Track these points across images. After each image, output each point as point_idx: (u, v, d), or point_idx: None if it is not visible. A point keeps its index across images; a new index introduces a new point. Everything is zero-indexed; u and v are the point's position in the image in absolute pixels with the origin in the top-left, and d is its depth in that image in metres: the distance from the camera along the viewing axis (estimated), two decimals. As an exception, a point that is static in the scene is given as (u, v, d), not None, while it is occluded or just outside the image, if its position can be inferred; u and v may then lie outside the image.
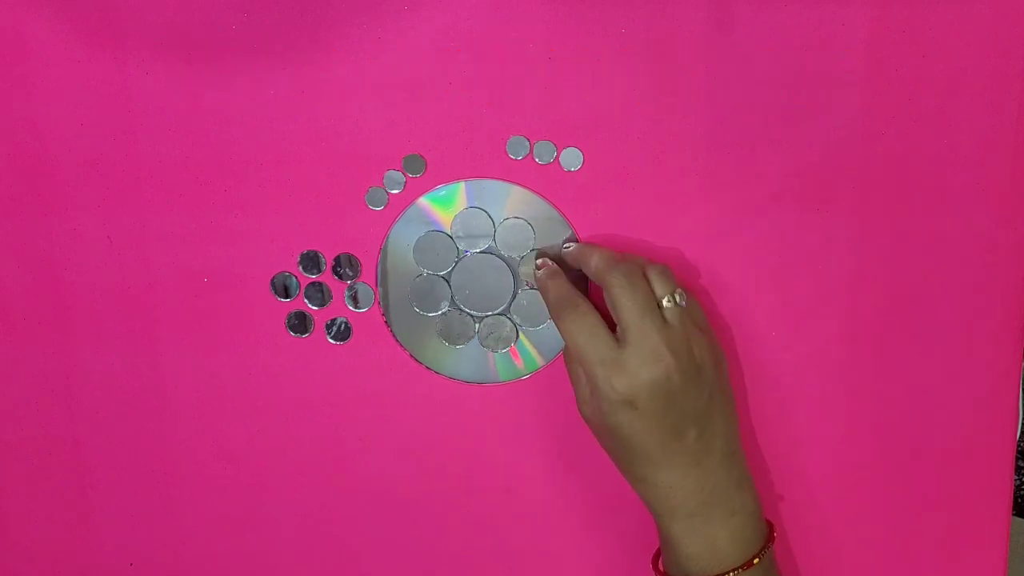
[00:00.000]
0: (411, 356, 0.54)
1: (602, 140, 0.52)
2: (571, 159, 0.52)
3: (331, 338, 0.54)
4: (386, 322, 0.54)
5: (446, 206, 0.53)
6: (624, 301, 0.46)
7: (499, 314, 0.54)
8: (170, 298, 0.54)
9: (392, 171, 0.53)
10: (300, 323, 0.54)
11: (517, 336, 0.54)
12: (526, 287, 0.54)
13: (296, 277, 0.53)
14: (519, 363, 0.54)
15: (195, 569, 0.57)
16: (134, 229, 0.53)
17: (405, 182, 0.53)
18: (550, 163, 0.52)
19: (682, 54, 0.51)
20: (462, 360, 0.54)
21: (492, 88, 0.52)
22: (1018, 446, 0.64)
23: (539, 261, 0.52)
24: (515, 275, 0.54)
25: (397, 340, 0.54)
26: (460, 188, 0.53)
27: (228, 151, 0.52)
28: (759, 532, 0.49)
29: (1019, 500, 1.21)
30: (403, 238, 0.53)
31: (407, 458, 0.56)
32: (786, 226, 0.53)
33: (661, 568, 0.51)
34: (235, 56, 0.51)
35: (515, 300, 0.54)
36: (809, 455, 0.55)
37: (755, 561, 0.47)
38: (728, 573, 0.47)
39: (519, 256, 0.54)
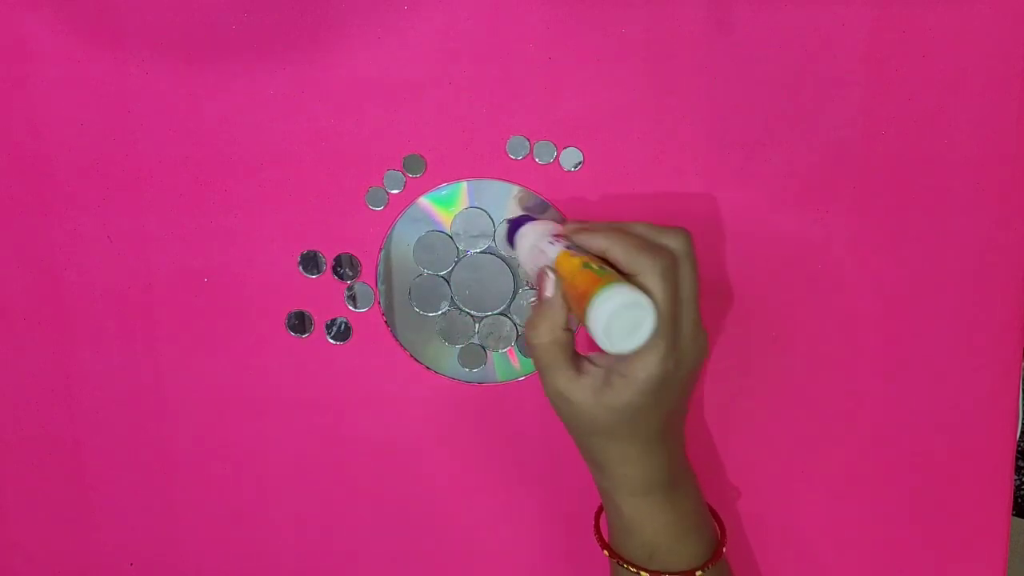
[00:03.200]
0: (411, 356, 0.54)
1: (602, 140, 0.52)
2: (571, 159, 0.52)
3: (331, 338, 0.54)
4: (386, 322, 0.54)
5: (446, 206, 0.53)
6: (679, 291, 0.44)
7: (499, 314, 0.54)
8: (170, 298, 0.54)
9: (392, 171, 0.53)
10: (300, 323, 0.54)
11: (517, 336, 0.54)
12: (526, 287, 0.54)
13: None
14: (516, 364, 0.54)
15: (195, 569, 0.57)
16: (134, 229, 0.53)
17: (405, 182, 0.53)
18: (550, 163, 0.52)
19: (682, 54, 0.51)
20: (462, 360, 0.54)
21: (492, 88, 0.52)
22: (1018, 446, 0.64)
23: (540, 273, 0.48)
24: (515, 275, 0.54)
25: (397, 340, 0.54)
26: (462, 188, 0.53)
27: (228, 151, 0.52)
28: (703, 512, 0.49)
29: (1019, 500, 1.21)
30: (403, 238, 0.53)
31: (407, 458, 0.56)
32: (786, 226, 0.53)
33: (606, 539, 0.50)
34: (235, 56, 0.51)
35: (515, 300, 0.54)
36: (809, 455, 0.55)
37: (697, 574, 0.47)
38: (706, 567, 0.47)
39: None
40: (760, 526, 0.56)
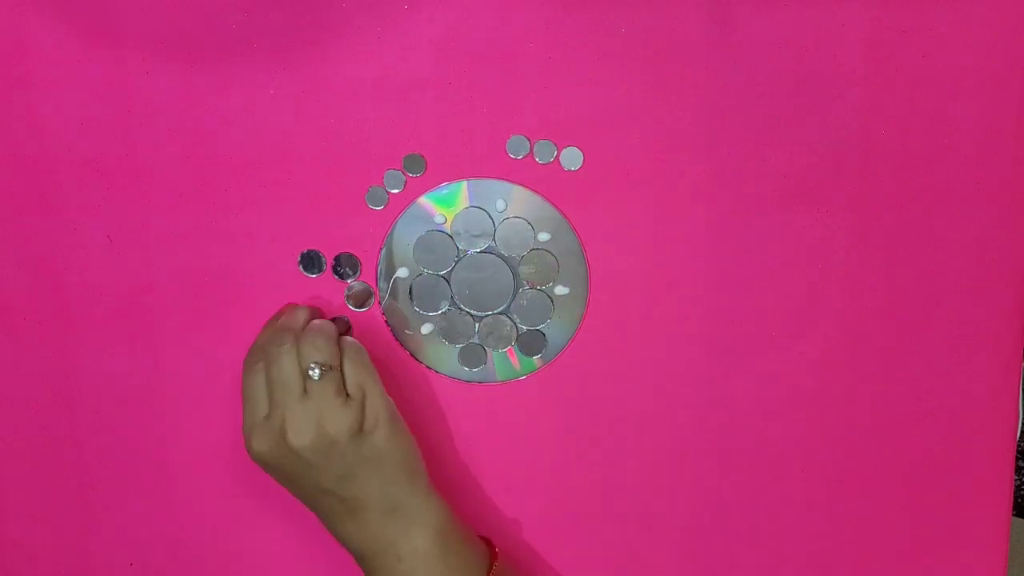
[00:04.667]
0: (411, 356, 0.54)
1: (602, 140, 0.52)
2: (571, 159, 0.52)
3: (331, 338, 0.54)
4: (386, 322, 0.54)
5: (447, 205, 0.53)
6: (270, 370, 0.48)
7: (499, 314, 0.54)
8: (170, 298, 0.54)
9: (392, 171, 0.53)
10: (300, 323, 0.54)
11: (517, 336, 0.54)
12: (526, 287, 0.54)
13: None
14: (516, 364, 0.54)
15: (195, 569, 0.57)
16: (134, 229, 0.53)
17: (405, 182, 0.53)
18: (550, 163, 0.52)
19: (682, 54, 0.51)
20: (462, 360, 0.54)
21: (492, 88, 0.52)
22: (1018, 446, 0.64)
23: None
24: (515, 275, 0.54)
25: (397, 340, 0.54)
26: (462, 187, 0.53)
27: (228, 151, 0.52)
28: (445, 571, 0.49)
29: (1019, 500, 1.21)
30: (403, 237, 0.53)
31: (407, 458, 0.56)
32: (786, 226, 0.53)
33: None
34: (235, 56, 0.51)
35: (515, 300, 0.54)
36: (809, 455, 0.55)
37: None
38: None
39: (519, 256, 0.54)
40: (759, 526, 0.56)
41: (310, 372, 0.47)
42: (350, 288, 0.54)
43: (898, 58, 0.51)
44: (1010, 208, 0.52)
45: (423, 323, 0.54)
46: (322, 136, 0.52)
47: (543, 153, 0.52)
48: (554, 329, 0.54)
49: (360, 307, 0.54)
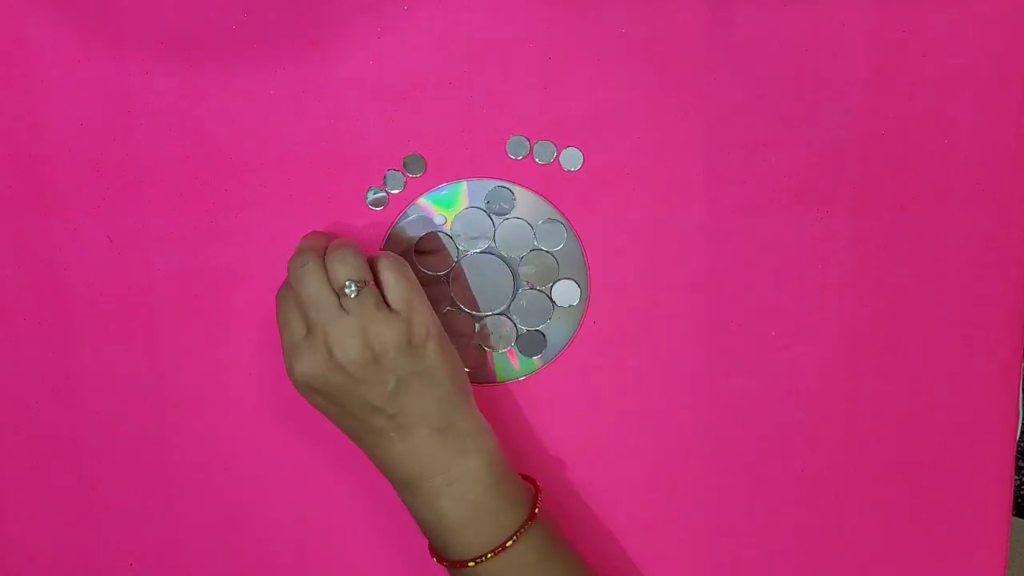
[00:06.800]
0: (411, 356, 0.54)
1: (602, 140, 0.52)
2: (571, 159, 0.52)
3: (331, 338, 0.54)
4: (386, 322, 0.54)
5: (446, 206, 0.53)
6: (298, 293, 0.46)
7: (499, 314, 0.54)
8: (170, 298, 0.54)
9: (392, 171, 0.53)
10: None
11: (517, 336, 0.54)
12: (526, 287, 0.54)
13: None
14: (516, 365, 0.54)
15: (195, 569, 0.57)
16: (134, 229, 0.53)
17: (405, 182, 0.53)
18: (550, 163, 0.52)
19: (682, 54, 0.51)
20: (462, 360, 0.54)
21: (492, 88, 0.52)
22: (1018, 446, 0.64)
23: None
24: (515, 275, 0.54)
25: (397, 340, 0.54)
26: (462, 188, 0.53)
27: (228, 151, 0.52)
28: (496, 498, 0.48)
29: (1019, 500, 1.21)
30: (403, 238, 0.53)
31: (407, 458, 0.56)
32: (786, 226, 0.53)
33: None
34: (235, 56, 0.51)
35: (515, 300, 0.54)
36: (809, 455, 0.55)
37: (509, 544, 0.47)
38: (486, 555, 0.47)
39: (519, 256, 0.54)
40: (758, 526, 0.56)
41: (346, 290, 0.46)
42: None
43: (898, 58, 0.51)
44: (1010, 208, 0.52)
45: None
46: (322, 136, 0.52)
47: (543, 153, 0.52)
48: (554, 329, 0.54)
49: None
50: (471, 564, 0.47)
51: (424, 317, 0.47)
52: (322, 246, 0.48)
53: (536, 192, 0.53)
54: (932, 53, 0.51)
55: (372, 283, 0.47)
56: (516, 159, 0.52)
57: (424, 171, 0.53)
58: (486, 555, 0.47)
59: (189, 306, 0.54)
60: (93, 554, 0.57)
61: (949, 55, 0.51)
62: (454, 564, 0.48)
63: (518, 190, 0.53)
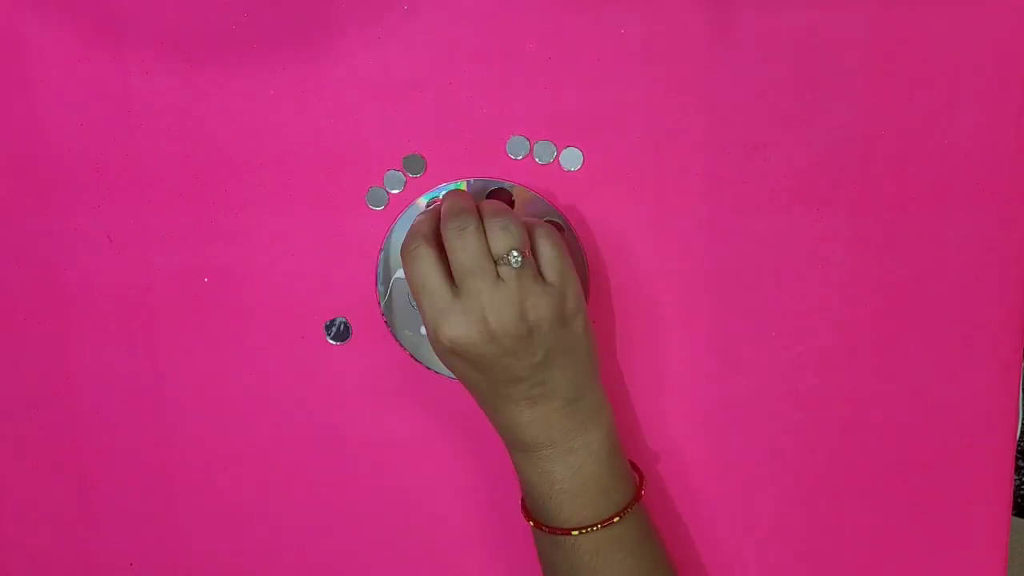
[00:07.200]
0: (411, 356, 0.54)
1: (602, 140, 0.52)
2: (571, 159, 0.52)
3: (331, 338, 0.54)
4: (386, 322, 0.54)
5: (446, 206, 0.53)
6: (455, 256, 0.45)
7: (499, 314, 0.54)
8: (170, 298, 0.54)
9: (392, 171, 0.53)
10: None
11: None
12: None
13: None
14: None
15: (195, 569, 0.57)
16: (134, 229, 0.53)
17: (405, 182, 0.53)
18: (550, 163, 0.52)
19: (682, 54, 0.51)
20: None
21: (492, 88, 0.52)
22: (1018, 446, 0.64)
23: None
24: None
25: (397, 340, 0.54)
26: (462, 188, 0.53)
27: (228, 151, 0.52)
28: (609, 474, 0.48)
29: (1019, 500, 1.21)
30: (403, 238, 0.53)
31: (407, 457, 0.56)
32: (786, 226, 0.53)
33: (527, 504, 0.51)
34: (235, 56, 0.51)
35: (515, 300, 0.54)
36: (809, 454, 0.55)
37: (615, 520, 0.47)
38: (590, 528, 0.47)
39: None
40: (758, 526, 0.56)
41: (511, 259, 0.45)
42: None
43: (898, 58, 0.51)
44: (1010, 208, 0.52)
45: (423, 323, 0.54)
46: (322, 136, 0.52)
47: (543, 153, 0.52)
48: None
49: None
50: (575, 533, 0.47)
51: (575, 290, 0.47)
52: (474, 208, 0.47)
53: (536, 192, 0.53)
54: (932, 53, 0.51)
55: (530, 253, 0.46)
56: (516, 159, 0.52)
57: (424, 171, 0.53)
58: (593, 526, 0.47)
59: (189, 306, 0.54)
60: (93, 554, 0.57)
61: (949, 55, 0.51)
62: (555, 531, 0.48)
63: (518, 190, 0.53)
